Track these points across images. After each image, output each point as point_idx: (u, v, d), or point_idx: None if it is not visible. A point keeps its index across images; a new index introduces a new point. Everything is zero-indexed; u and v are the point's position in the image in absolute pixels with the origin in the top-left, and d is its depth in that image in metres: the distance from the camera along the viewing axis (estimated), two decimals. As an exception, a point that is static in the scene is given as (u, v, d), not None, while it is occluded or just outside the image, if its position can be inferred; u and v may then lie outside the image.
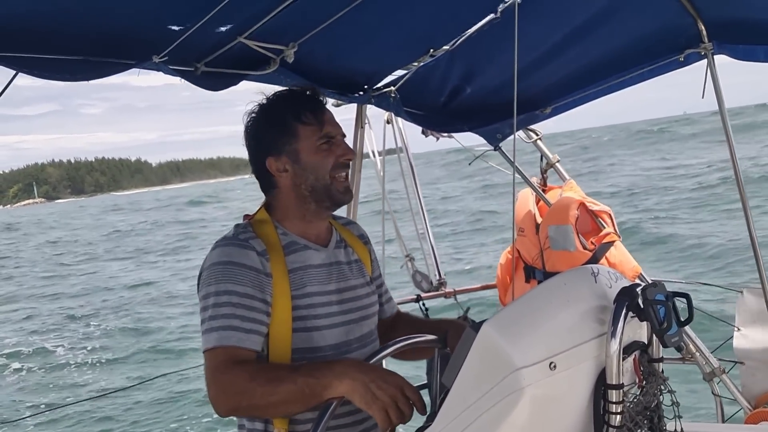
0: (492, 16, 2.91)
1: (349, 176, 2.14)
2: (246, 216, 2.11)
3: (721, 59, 3.20)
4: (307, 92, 2.09)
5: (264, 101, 2.07)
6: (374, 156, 4.65)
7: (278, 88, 2.19)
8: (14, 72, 2.05)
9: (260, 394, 1.73)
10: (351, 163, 2.14)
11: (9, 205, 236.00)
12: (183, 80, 2.52)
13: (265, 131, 2.05)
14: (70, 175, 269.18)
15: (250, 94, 2.12)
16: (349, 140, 2.19)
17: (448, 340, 1.94)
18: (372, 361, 1.82)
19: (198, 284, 1.94)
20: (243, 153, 2.13)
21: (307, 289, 1.96)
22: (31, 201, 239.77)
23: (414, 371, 3.59)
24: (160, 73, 2.45)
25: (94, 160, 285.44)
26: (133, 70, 2.32)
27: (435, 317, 3.16)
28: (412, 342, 1.92)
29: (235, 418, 2.00)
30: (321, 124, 2.02)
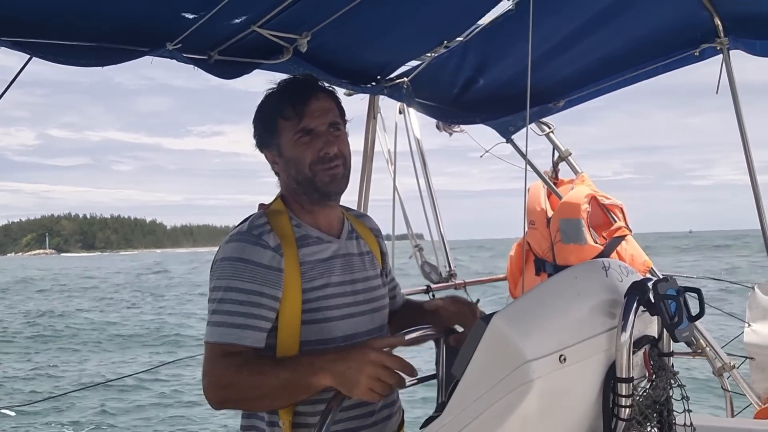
0: (508, 6, 2.90)
1: (344, 165, 2.03)
2: (261, 205, 2.09)
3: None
4: (299, 81, 2.08)
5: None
6: (386, 149, 4.63)
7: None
8: (28, 57, 2.06)
9: (246, 388, 1.75)
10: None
11: (21, 253, 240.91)
12: (196, 68, 2.53)
13: (256, 126, 2.08)
14: (83, 230, 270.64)
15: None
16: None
17: (446, 317, 2.03)
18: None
19: (210, 274, 1.93)
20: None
21: (318, 282, 1.95)
22: (41, 251, 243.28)
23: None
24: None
25: (109, 217, 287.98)
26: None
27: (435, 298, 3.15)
28: (418, 335, 1.90)
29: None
30: (300, 118, 1.98)
